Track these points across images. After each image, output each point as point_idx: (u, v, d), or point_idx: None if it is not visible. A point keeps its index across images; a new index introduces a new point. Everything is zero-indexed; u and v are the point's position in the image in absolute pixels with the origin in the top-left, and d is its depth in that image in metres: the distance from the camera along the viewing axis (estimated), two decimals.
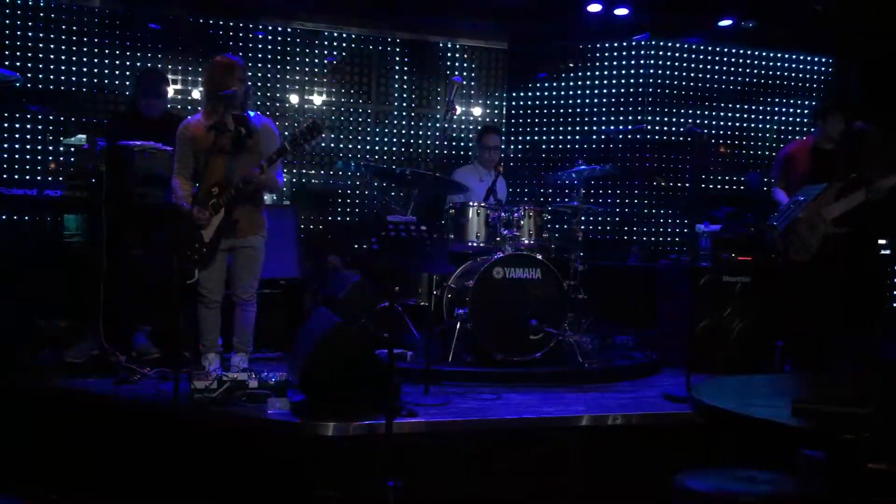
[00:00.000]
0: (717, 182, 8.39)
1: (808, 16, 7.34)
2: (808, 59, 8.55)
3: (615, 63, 8.32)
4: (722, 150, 8.35)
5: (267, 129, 4.98)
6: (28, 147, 7.26)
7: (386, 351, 3.99)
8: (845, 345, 6.03)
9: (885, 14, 7.02)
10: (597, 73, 8.36)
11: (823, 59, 8.56)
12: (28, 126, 7.26)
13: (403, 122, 8.37)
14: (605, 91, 8.33)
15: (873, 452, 2.20)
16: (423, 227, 4.14)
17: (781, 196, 5.98)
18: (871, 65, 7.75)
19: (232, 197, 4.78)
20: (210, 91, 4.87)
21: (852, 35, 7.67)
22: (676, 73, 8.27)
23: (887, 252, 7.28)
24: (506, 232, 5.76)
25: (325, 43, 8.13)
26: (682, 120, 8.19)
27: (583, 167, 6.14)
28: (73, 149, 7.10)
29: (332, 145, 8.09)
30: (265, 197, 5.34)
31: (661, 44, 8.24)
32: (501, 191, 6.70)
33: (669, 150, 8.22)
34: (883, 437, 2.24)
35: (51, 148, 7.30)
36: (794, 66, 8.54)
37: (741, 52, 8.41)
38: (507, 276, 5.52)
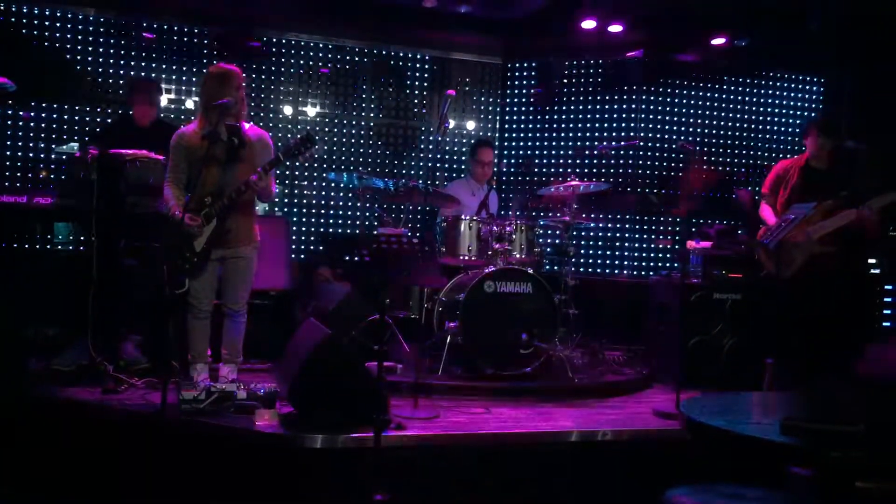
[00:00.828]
0: (709, 199, 8.41)
1: (800, 34, 7.39)
2: (801, 77, 8.59)
3: (608, 79, 8.35)
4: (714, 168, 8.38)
5: (261, 140, 4.98)
6: (19, 154, 7.23)
7: (375, 363, 3.98)
8: (834, 363, 6.04)
9: (877, 33, 7.08)
10: (590, 88, 8.39)
11: (815, 79, 8.61)
12: (20, 133, 7.24)
13: (397, 135, 8.38)
14: (598, 107, 8.36)
15: (862, 470, 2.20)
16: (415, 240, 4.14)
17: (767, 212, 5.99)
18: (864, 82, 7.80)
19: (225, 207, 4.77)
20: (205, 100, 4.87)
21: (844, 53, 7.71)
22: (669, 90, 8.30)
23: (876, 271, 7.29)
24: (497, 246, 5.76)
25: (320, 55, 8.15)
26: (674, 136, 8.22)
27: (575, 182, 6.15)
28: (64, 157, 7.08)
29: (325, 157, 8.09)
30: (257, 207, 5.33)
31: (655, 61, 8.27)
32: (493, 205, 6.71)
33: (661, 167, 8.25)
34: (871, 455, 2.24)
35: (42, 155, 7.28)
36: (786, 83, 8.59)
37: (734, 69, 8.44)
38: (498, 289, 5.52)
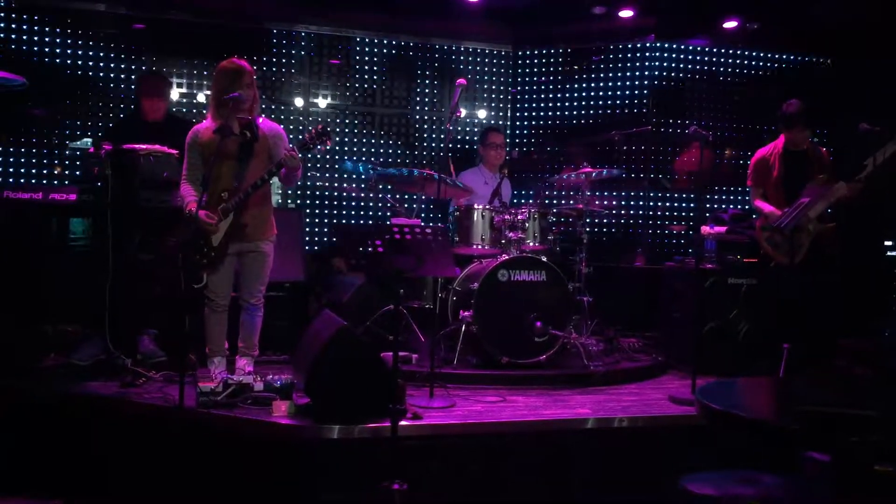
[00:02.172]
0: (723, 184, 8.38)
1: (810, 19, 7.35)
2: (813, 59, 8.52)
3: (620, 65, 8.32)
4: (728, 152, 8.35)
5: (275, 134, 4.98)
6: (34, 151, 7.28)
7: (391, 354, 3.99)
8: (851, 346, 6.01)
9: (887, 18, 7.02)
10: (601, 74, 8.36)
11: (827, 61, 8.53)
12: (33, 129, 7.28)
13: (408, 125, 8.38)
14: (609, 93, 8.33)
15: (879, 455, 2.19)
16: (428, 230, 4.14)
17: (762, 203, 5.94)
18: (874, 67, 7.73)
19: (241, 201, 4.78)
20: (216, 95, 4.88)
21: (855, 38, 7.64)
22: (681, 75, 8.26)
23: (893, 254, 7.25)
24: (511, 234, 5.75)
25: (330, 46, 8.15)
26: (687, 122, 8.17)
27: (588, 169, 6.14)
28: (78, 152, 7.12)
29: (337, 148, 8.10)
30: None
31: (666, 45, 8.23)
32: (507, 193, 6.69)
33: (674, 152, 8.23)
34: (889, 439, 2.23)
35: (56, 152, 7.32)
36: (797, 67, 8.52)
37: (745, 53, 8.39)
38: (512, 278, 5.52)
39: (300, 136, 4.90)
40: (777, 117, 5.95)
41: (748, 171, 6.14)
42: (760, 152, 6.10)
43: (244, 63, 4.91)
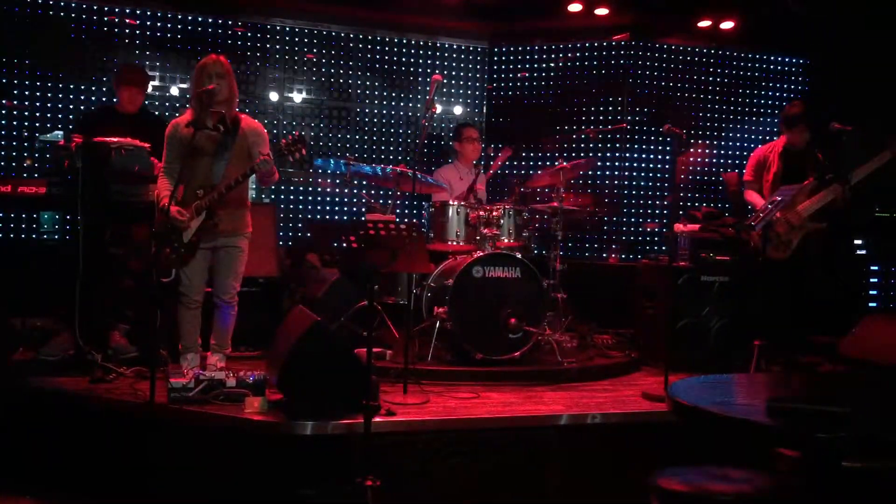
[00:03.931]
0: (696, 181, 8.44)
1: (785, 16, 7.40)
2: (786, 59, 8.60)
3: (595, 63, 8.34)
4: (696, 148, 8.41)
5: (254, 131, 4.93)
6: (3, 143, 7.17)
7: (364, 350, 3.98)
8: (822, 344, 6.08)
9: (858, 14, 7.09)
10: (577, 72, 8.37)
11: (801, 61, 8.61)
12: (3, 122, 7.17)
13: (384, 121, 8.35)
14: (585, 90, 8.34)
15: (848, 451, 2.22)
16: (403, 226, 4.13)
17: (755, 197, 6.03)
18: (847, 64, 7.80)
19: (216, 200, 4.72)
20: (192, 90, 4.85)
21: (828, 35, 7.71)
22: (656, 73, 8.29)
23: (862, 252, 7.33)
24: (485, 231, 5.75)
25: (305, 40, 8.10)
26: (661, 119, 8.21)
27: (564, 165, 6.15)
28: (48, 145, 7.02)
29: (312, 143, 8.06)
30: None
31: (641, 44, 8.26)
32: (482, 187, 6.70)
33: (648, 150, 8.27)
34: (858, 435, 2.26)
35: (26, 144, 7.22)
36: (771, 66, 8.60)
37: (720, 52, 8.44)
38: (487, 274, 5.52)
39: (274, 140, 4.84)
40: (782, 122, 6.05)
41: (746, 167, 6.23)
42: (760, 150, 6.21)
43: (217, 57, 4.89)
